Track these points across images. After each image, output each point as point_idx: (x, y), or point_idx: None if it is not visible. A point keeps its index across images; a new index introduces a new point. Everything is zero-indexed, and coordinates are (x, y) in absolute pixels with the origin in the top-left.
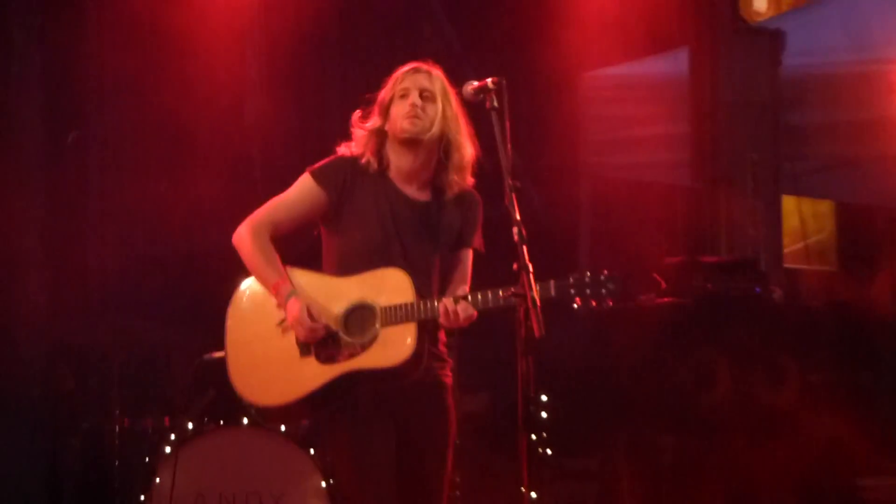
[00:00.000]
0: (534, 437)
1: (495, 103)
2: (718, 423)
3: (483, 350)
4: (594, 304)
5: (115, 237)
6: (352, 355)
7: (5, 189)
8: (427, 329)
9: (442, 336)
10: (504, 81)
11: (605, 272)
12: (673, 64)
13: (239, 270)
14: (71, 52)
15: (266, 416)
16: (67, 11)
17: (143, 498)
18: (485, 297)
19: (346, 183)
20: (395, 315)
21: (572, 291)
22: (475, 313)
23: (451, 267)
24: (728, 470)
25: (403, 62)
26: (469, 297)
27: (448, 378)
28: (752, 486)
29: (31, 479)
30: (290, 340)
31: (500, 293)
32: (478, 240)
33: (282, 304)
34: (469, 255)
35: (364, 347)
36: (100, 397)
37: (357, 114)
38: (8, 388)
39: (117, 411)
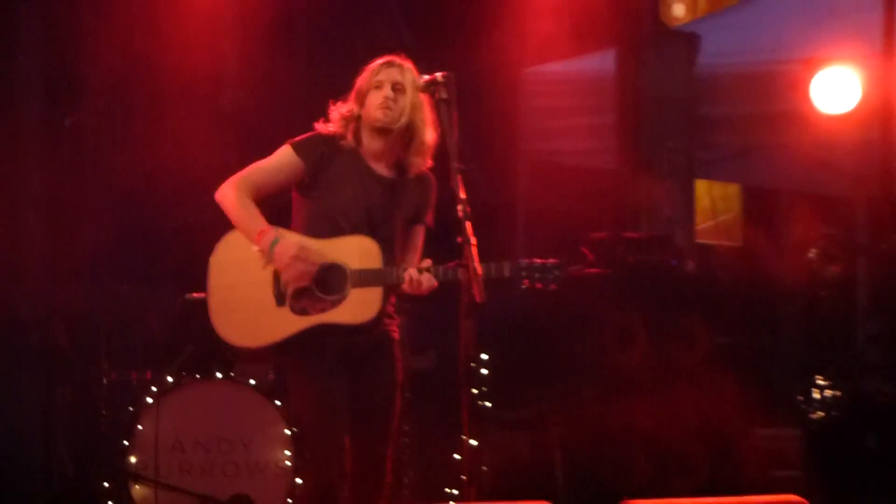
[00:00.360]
0: (474, 391)
1: (444, 95)
2: (637, 379)
3: (430, 313)
4: (539, 286)
5: (106, 211)
6: (323, 310)
7: (7, 167)
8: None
9: (392, 297)
10: (452, 76)
11: (552, 260)
12: (601, 62)
13: (215, 241)
14: (69, 44)
15: (239, 356)
16: (67, 8)
17: (126, 443)
18: (445, 270)
19: (324, 157)
20: (364, 279)
21: (523, 274)
22: (436, 283)
23: (407, 240)
24: (644, 420)
25: (363, 56)
26: (432, 269)
27: (395, 333)
28: (663, 434)
29: (28, 424)
30: (267, 291)
31: (476, 273)
32: (430, 217)
33: (265, 250)
34: (422, 231)
35: (334, 304)
36: (90, 353)
37: (332, 102)
38: (9, 345)
39: (105, 365)
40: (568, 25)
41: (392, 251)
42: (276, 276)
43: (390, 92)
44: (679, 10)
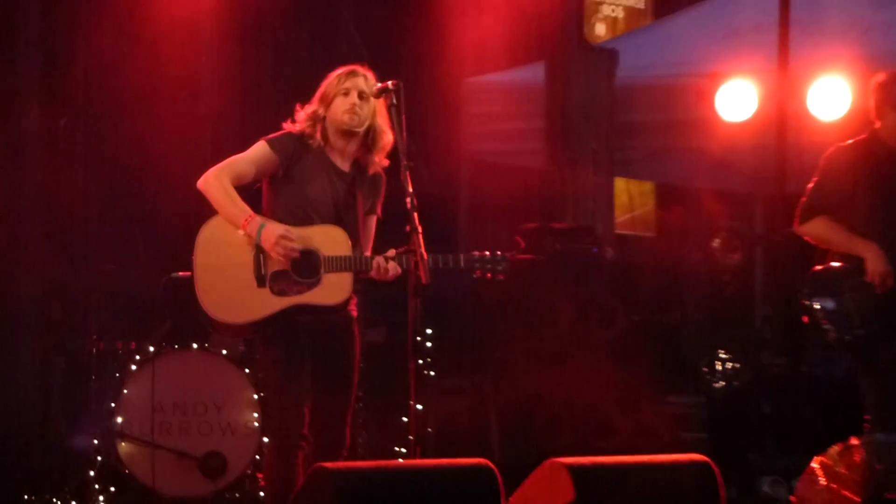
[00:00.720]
0: (420, 361)
1: (395, 101)
2: (562, 352)
3: (382, 293)
4: (489, 276)
5: (95, 200)
6: (299, 292)
7: (8, 162)
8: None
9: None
10: (401, 84)
11: (499, 253)
12: (532, 74)
13: (192, 227)
14: (62, 55)
15: (221, 331)
16: (60, 22)
17: (113, 405)
18: (408, 258)
19: (295, 153)
20: (337, 264)
21: (476, 266)
22: (400, 271)
23: (363, 229)
24: (569, 388)
25: (324, 64)
26: (397, 258)
27: (354, 311)
28: (586, 400)
29: (27, 388)
30: (249, 273)
31: (422, 258)
32: (380, 209)
33: (253, 233)
34: (375, 220)
35: (310, 287)
36: (81, 326)
37: (299, 106)
38: (10, 319)
39: (94, 337)
40: (503, 41)
41: (356, 239)
42: (257, 259)
43: (357, 99)
44: (600, 29)
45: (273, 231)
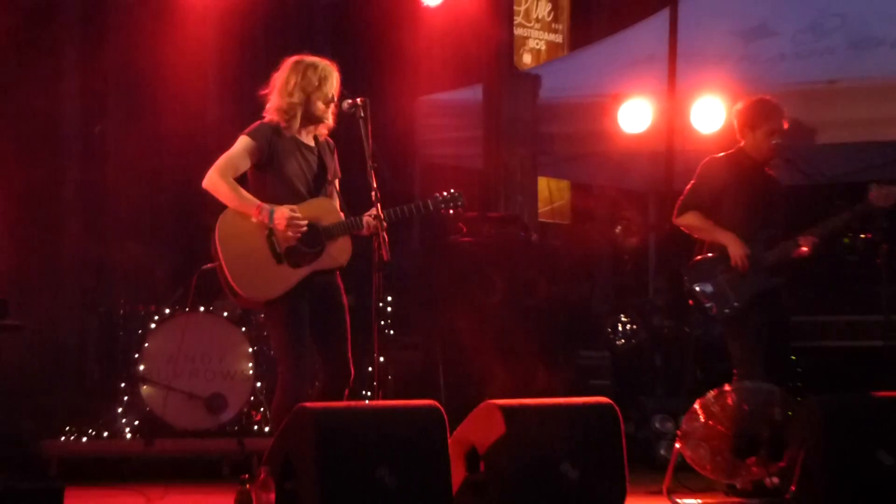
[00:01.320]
0: (382, 322)
1: (362, 114)
2: (497, 315)
3: (350, 267)
4: (459, 210)
5: (123, 192)
6: (311, 261)
7: (52, 161)
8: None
9: None
10: (367, 100)
11: (454, 191)
12: (473, 94)
13: (200, 216)
14: (97, 73)
15: (253, 306)
16: (95, 46)
17: (136, 356)
18: (389, 213)
19: (272, 140)
20: (335, 230)
21: (442, 205)
22: (386, 225)
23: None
24: (502, 343)
25: None
26: (383, 214)
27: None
28: (515, 353)
29: (68, 341)
30: (267, 254)
31: (399, 211)
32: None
33: (265, 220)
34: (337, 182)
35: (318, 255)
36: (111, 291)
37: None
38: (55, 285)
39: (122, 300)
40: (449, 67)
41: (345, 200)
42: (269, 241)
43: (334, 97)
44: (527, 58)
45: (283, 214)
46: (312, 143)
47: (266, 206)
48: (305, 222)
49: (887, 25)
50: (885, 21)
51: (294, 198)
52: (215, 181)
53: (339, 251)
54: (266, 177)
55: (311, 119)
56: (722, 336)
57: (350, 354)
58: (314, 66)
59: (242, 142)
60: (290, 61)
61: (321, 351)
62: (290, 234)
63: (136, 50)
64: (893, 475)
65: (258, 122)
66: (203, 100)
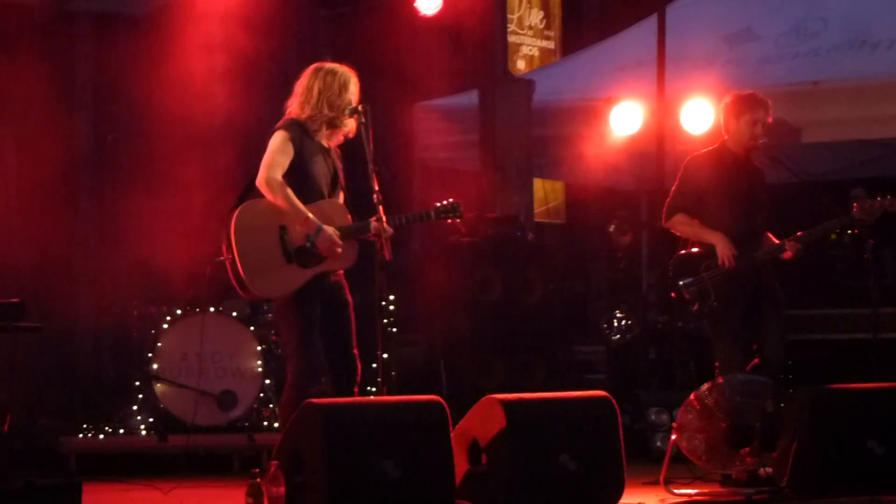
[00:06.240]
0: (385, 320)
1: (363, 119)
2: (494, 312)
3: (355, 267)
4: (457, 220)
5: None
6: (318, 262)
7: (68, 168)
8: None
9: None
10: (368, 106)
11: (454, 200)
12: (469, 99)
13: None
14: (110, 85)
15: (261, 300)
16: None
17: (150, 355)
18: (392, 219)
19: (302, 137)
20: (343, 233)
21: (442, 215)
22: (392, 231)
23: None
24: (501, 340)
25: None
26: (390, 219)
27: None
28: (513, 348)
29: (83, 342)
30: (278, 252)
31: (401, 219)
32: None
33: (310, 232)
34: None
35: (325, 257)
36: (125, 293)
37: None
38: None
39: (135, 302)
40: (446, 74)
41: (350, 207)
42: (282, 241)
43: (351, 103)
44: (521, 64)
45: (327, 237)
46: (329, 147)
47: (314, 220)
48: (341, 247)
49: (869, 28)
50: (867, 24)
51: (317, 197)
52: (272, 185)
53: (348, 253)
54: (292, 173)
55: (332, 124)
56: None
57: (357, 352)
58: (334, 73)
59: (280, 136)
60: (310, 68)
61: (329, 349)
62: (326, 254)
63: (144, 63)
64: (884, 464)
65: (287, 118)
66: (209, 109)
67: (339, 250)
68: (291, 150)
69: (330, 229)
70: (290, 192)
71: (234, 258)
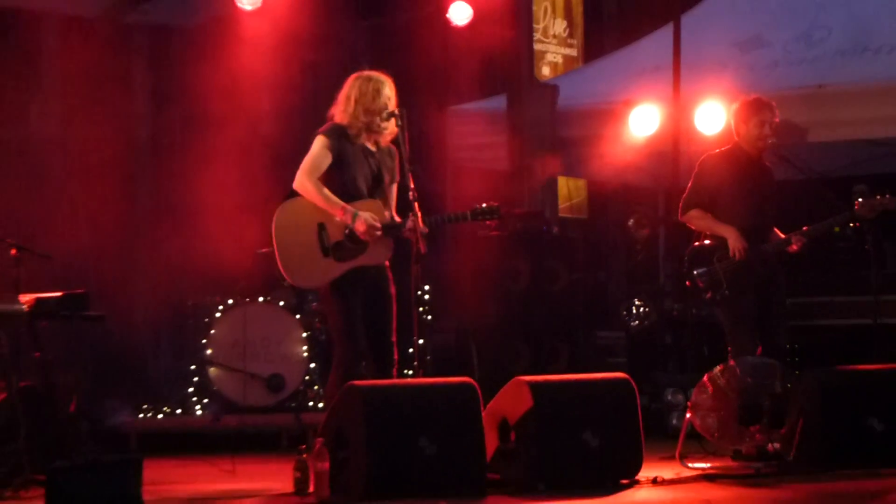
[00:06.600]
0: (421, 309)
1: (400, 122)
2: (523, 300)
3: (393, 260)
4: (495, 222)
5: (191, 194)
6: (354, 256)
7: (127, 167)
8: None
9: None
10: (405, 110)
11: (493, 203)
12: (498, 103)
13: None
14: (168, 93)
15: (288, 297)
16: (164, 67)
17: (205, 341)
18: (428, 220)
19: (342, 141)
20: (385, 231)
21: (480, 216)
22: (427, 230)
23: (390, 195)
24: (528, 326)
25: None
26: (425, 220)
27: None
28: (539, 334)
29: (142, 330)
30: (316, 247)
31: (440, 219)
32: (398, 175)
33: (348, 220)
34: (395, 187)
35: (361, 252)
36: (179, 285)
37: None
38: (128, 281)
39: (189, 293)
40: (477, 79)
41: (388, 206)
42: (320, 236)
43: (388, 106)
44: (546, 70)
45: (363, 220)
46: (374, 149)
47: (350, 208)
48: (381, 229)
49: (870, 35)
50: (868, 31)
51: (357, 197)
52: (303, 183)
53: (381, 250)
54: (334, 175)
55: (370, 128)
56: None
57: (395, 341)
58: (368, 79)
59: (320, 141)
60: (350, 77)
61: (370, 337)
62: (365, 237)
63: (198, 74)
64: (883, 440)
65: (330, 123)
66: (258, 113)
67: (379, 233)
68: (329, 153)
69: (366, 213)
70: (325, 189)
71: (274, 251)
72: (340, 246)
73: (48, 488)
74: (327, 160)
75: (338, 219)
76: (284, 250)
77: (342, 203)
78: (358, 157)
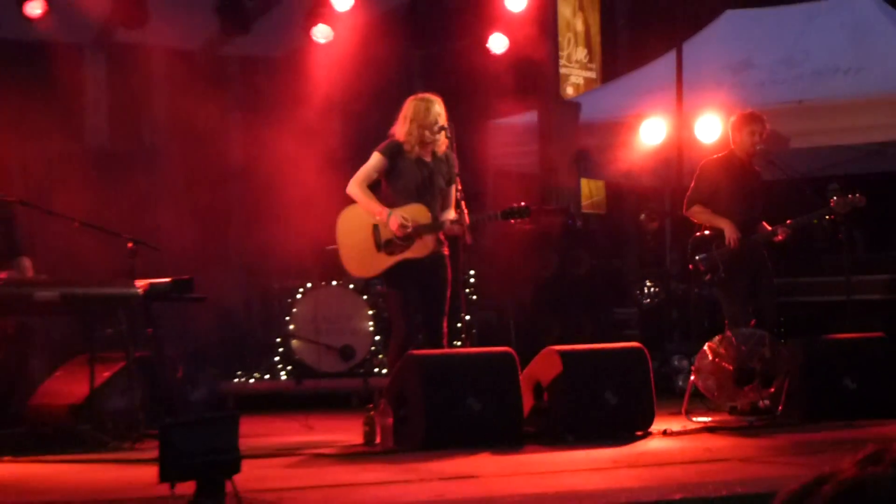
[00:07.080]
0: (467, 290)
1: (448, 134)
2: (551, 283)
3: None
4: (526, 221)
5: (280, 196)
6: (402, 251)
7: (221, 169)
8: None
9: (441, 235)
10: (452, 125)
11: (523, 204)
12: (530, 117)
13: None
14: (256, 106)
15: (357, 280)
16: (253, 87)
17: (288, 318)
18: (462, 220)
19: (396, 156)
20: (423, 229)
21: (509, 215)
22: (463, 231)
23: (445, 197)
24: (555, 304)
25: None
26: (459, 221)
27: (446, 250)
28: (566, 311)
29: (235, 309)
30: (371, 244)
31: (479, 220)
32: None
33: (384, 219)
34: (454, 189)
35: (408, 247)
36: (265, 272)
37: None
38: (225, 266)
39: (274, 277)
40: (513, 98)
41: (434, 210)
42: (375, 234)
43: (437, 122)
44: (570, 90)
45: (395, 219)
46: (429, 159)
47: (386, 210)
48: (411, 226)
49: (842, 57)
50: (841, 54)
51: (408, 201)
52: (353, 189)
53: (424, 245)
54: (389, 183)
55: (423, 140)
56: None
57: (445, 321)
58: (422, 100)
59: (375, 157)
60: (408, 100)
61: (423, 316)
62: (398, 232)
63: (281, 97)
64: (856, 396)
65: (389, 140)
66: (330, 128)
67: (409, 229)
68: (381, 166)
69: (399, 213)
70: (368, 194)
71: (337, 248)
72: (391, 242)
73: (161, 441)
74: (378, 170)
75: (376, 218)
76: (344, 247)
77: (380, 206)
78: (411, 169)
